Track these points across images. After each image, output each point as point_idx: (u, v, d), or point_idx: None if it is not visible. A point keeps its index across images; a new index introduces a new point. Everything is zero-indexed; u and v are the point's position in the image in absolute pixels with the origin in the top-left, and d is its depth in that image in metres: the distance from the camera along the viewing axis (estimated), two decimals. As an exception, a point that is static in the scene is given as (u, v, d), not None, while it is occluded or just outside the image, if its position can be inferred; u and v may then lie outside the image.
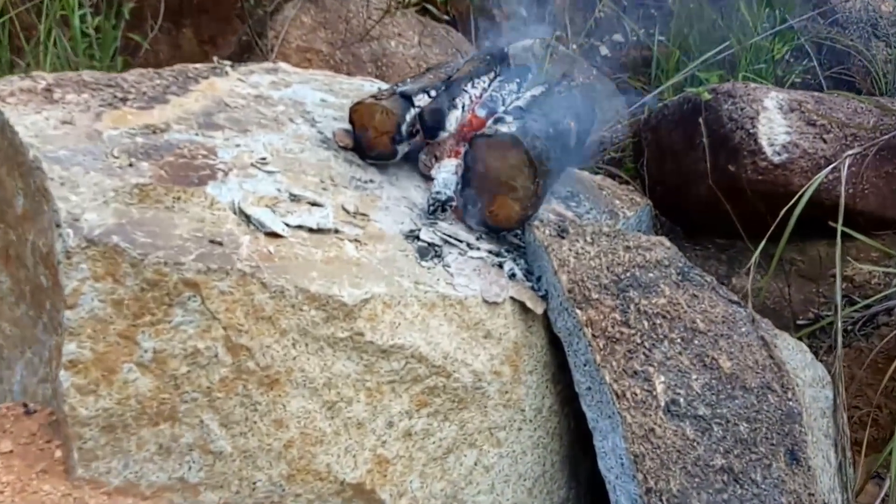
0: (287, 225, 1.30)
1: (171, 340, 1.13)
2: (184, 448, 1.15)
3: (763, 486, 1.41)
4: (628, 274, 1.53)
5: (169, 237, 1.15)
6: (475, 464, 1.39)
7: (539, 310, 1.45)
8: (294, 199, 1.37)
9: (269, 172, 1.40)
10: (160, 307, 1.12)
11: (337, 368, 1.23)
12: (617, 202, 1.95)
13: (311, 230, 1.32)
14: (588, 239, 1.56)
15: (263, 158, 1.41)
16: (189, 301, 1.13)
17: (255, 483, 1.20)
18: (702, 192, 2.13)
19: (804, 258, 2.13)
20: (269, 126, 1.52)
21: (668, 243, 1.68)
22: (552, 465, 1.50)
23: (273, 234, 1.26)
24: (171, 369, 1.13)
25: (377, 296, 1.26)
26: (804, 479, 1.48)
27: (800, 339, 1.94)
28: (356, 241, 1.36)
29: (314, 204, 1.38)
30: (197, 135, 1.38)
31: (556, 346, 1.49)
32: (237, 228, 1.24)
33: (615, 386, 1.37)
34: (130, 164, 1.23)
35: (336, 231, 1.35)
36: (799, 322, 2.02)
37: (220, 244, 1.18)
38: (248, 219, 1.27)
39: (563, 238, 1.53)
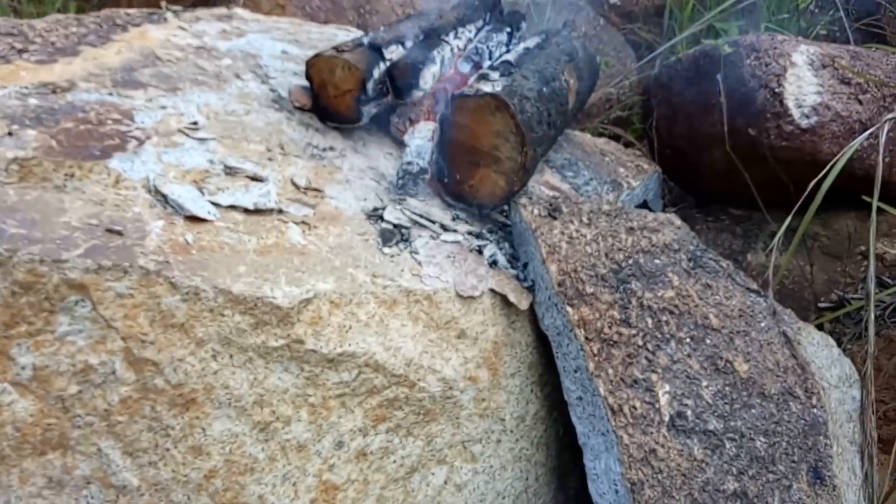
0: (216, 205, 1.02)
1: (55, 355, 0.86)
2: (79, 481, 0.90)
3: (781, 512, 1.15)
4: (630, 261, 1.25)
5: (52, 226, 0.88)
6: (445, 483, 1.14)
7: (524, 305, 1.17)
8: (229, 172, 1.09)
9: (201, 140, 1.11)
10: (39, 315, 0.85)
11: (270, 383, 0.96)
12: (621, 170, 1.65)
13: (246, 211, 1.04)
14: (584, 219, 1.26)
15: (195, 123, 1.12)
16: (76, 307, 0.86)
17: (172, 519, 0.95)
18: (717, 157, 1.82)
19: (828, 233, 1.82)
20: (208, 83, 1.22)
21: (678, 222, 1.39)
22: (536, 480, 1.24)
23: (195, 219, 0.98)
24: (56, 389, 0.87)
25: (322, 294, 0.98)
26: (828, 501, 1.22)
27: (821, 325, 1.65)
28: (304, 223, 1.08)
29: (254, 178, 1.10)
30: (110, 94, 1.09)
31: (544, 342, 1.21)
32: (148, 212, 0.96)
33: (611, 399, 1.10)
34: (10, 134, 0.94)
35: (279, 211, 1.07)
36: (821, 305, 1.73)
37: (120, 234, 0.91)
38: (164, 199, 0.99)
39: (554, 219, 1.24)
